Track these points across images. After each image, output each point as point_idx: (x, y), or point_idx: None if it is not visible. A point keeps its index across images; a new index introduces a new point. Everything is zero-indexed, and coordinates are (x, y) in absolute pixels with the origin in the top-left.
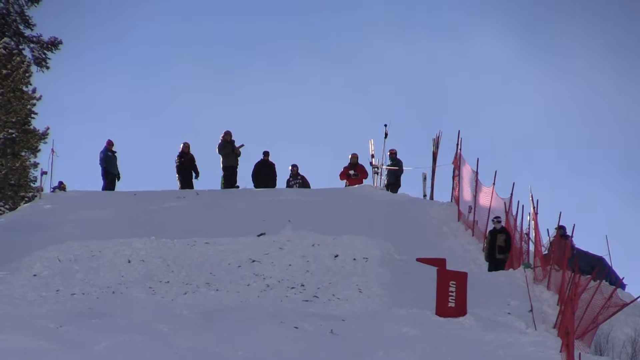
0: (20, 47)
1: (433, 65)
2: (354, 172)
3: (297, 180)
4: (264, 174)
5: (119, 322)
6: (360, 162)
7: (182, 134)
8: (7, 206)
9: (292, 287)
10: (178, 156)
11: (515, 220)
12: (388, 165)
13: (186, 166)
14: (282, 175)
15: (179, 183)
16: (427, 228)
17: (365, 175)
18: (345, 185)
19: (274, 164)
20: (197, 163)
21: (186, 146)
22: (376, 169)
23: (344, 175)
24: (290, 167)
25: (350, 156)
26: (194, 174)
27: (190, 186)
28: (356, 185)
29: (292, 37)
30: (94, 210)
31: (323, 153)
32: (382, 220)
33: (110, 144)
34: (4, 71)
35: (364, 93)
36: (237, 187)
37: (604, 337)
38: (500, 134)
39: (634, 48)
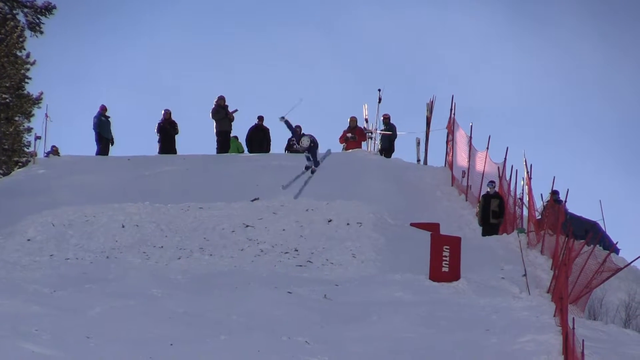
0: (14, 11)
1: (427, 31)
2: (352, 135)
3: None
4: (258, 138)
5: (113, 286)
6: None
7: (176, 100)
8: (0, 171)
9: (286, 252)
10: (159, 123)
11: (509, 184)
12: (382, 130)
13: (167, 132)
14: (277, 140)
15: (159, 148)
16: (421, 193)
17: (364, 138)
18: (344, 149)
19: (268, 129)
20: (179, 129)
21: (167, 113)
22: (370, 134)
23: (343, 138)
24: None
25: (349, 119)
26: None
27: (173, 152)
28: (350, 150)
29: (284, 6)
30: (87, 175)
31: (318, 119)
32: (376, 185)
33: (103, 109)
34: None
35: (358, 58)
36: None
37: (598, 301)
38: (494, 99)
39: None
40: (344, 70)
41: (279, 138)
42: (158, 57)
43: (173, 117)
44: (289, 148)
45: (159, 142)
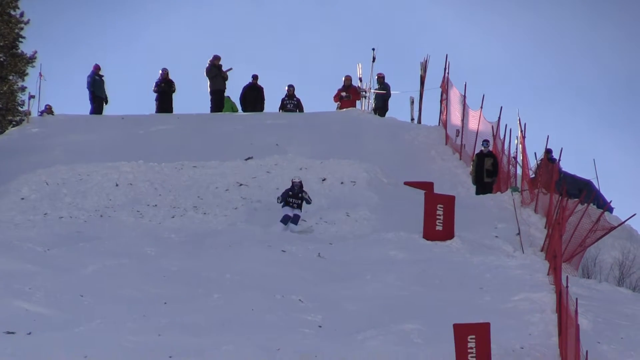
0: None
1: None
2: (346, 94)
3: (293, 101)
4: (252, 97)
5: (107, 245)
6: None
7: (170, 59)
8: None
9: (280, 211)
10: (157, 82)
11: (503, 143)
12: (376, 89)
13: (165, 91)
14: (271, 100)
15: (156, 107)
16: (415, 152)
17: (358, 97)
18: (338, 108)
19: (262, 88)
20: (176, 88)
21: (165, 72)
22: (364, 93)
23: (337, 97)
24: (286, 88)
25: (343, 78)
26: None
27: (169, 110)
28: (344, 109)
29: None
30: (81, 134)
31: (313, 78)
32: (370, 144)
33: (97, 68)
34: None
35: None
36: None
37: (592, 260)
38: (489, 58)
39: None
40: (338, 30)
41: (273, 97)
42: (153, 17)
43: (170, 77)
44: (283, 107)
45: (156, 100)
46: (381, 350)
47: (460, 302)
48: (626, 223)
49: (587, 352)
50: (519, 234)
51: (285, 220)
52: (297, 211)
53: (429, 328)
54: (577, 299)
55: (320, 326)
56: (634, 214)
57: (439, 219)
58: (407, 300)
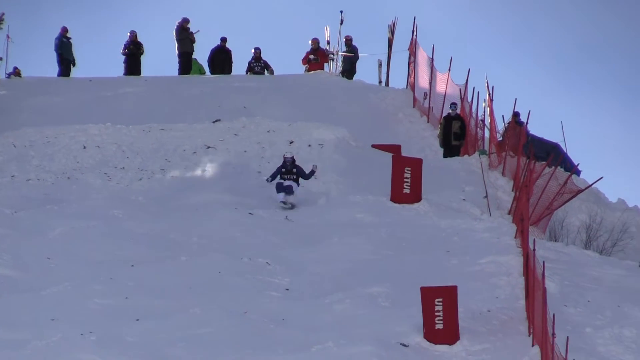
0: None
1: None
2: (314, 57)
3: (260, 63)
4: (220, 60)
5: (74, 207)
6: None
7: (138, 21)
8: None
9: (248, 173)
10: (125, 44)
11: (471, 106)
12: (343, 52)
13: (133, 53)
14: (238, 62)
15: (124, 69)
16: (383, 114)
17: (326, 59)
18: (306, 70)
19: (230, 51)
20: (145, 50)
21: (133, 34)
22: (332, 56)
23: (305, 60)
24: (252, 50)
25: (311, 41)
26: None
27: (138, 73)
28: (312, 72)
29: None
30: (49, 96)
31: (280, 41)
32: (338, 107)
33: (65, 30)
34: None
35: None
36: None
37: (559, 223)
38: (456, 21)
39: None
40: None
41: (241, 60)
42: None
43: (138, 39)
44: (250, 70)
45: (124, 63)
46: (348, 313)
47: (427, 265)
48: (593, 186)
49: (553, 315)
50: (486, 197)
51: (281, 188)
52: (291, 182)
53: (396, 291)
54: (544, 262)
55: (287, 289)
56: (601, 177)
57: (406, 182)
58: (374, 263)
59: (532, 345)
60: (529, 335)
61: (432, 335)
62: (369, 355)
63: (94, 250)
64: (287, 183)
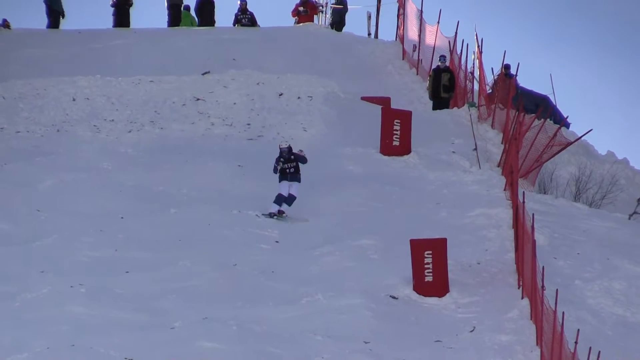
0: None
1: None
2: (303, 9)
3: (247, 15)
4: (208, 11)
5: (64, 160)
6: None
7: None
8: None
9: (237, 126)
10: None
11: (460, 59)
12: (333, 4)
13: (123, 5)
14: (224, 14)
15: (113, 21)
16: (372, 67)
17: (316, 11)
18: (296, 23)
19: (214, 1)
20: (134, 2)
21: None
22: (321, 8)
23: (295, 12)
24: (239, 2)
25: None
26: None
27: (127, 25)
28: (301, 24)
29: None
30: (38, 48)
31: None
32: (327, 59)
33: None
34: None
35: None
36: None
37: (548, 175)
38: None
39: None
40: None
41: (228, 11)
42: None
43: None
44: (238, 22)
45: (113, 15)
46: (337, 266)
47: (416, 217)
48: (583, 139)
49: (543, 267)
50: (475, 149)
51: (279, 200)
52: (293, 185)
53: (385, 244)
54: (533, 214)
55: (277, 242)
56: (591, 130)
57: (395, 135)
58: (363, 215)
59: (522, 298)
60: (519, 288)
61: (422, 287)
62: (358, 307)
63: (84, 203)
64: (292, 192)
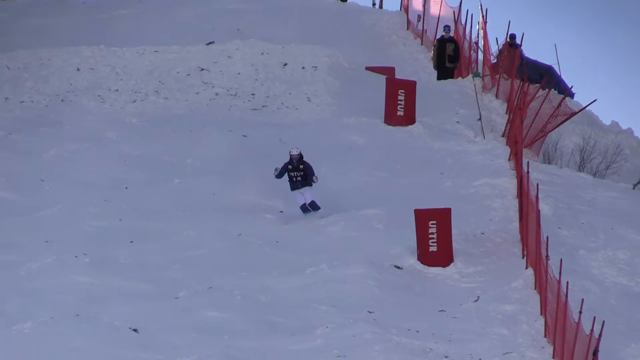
0: None
1: None
2: None
3: None
4: None
5: (68, 130)
6: None
7: None
8: None
9: (241, 96)
10: None
11: (465, 29)
12: None
13: None
14: None
15: None
16: (377, 37)
17: None
18: None
19: None
20: None
21: None
22: None
23: None
24: None
25: None
26: None
27: None
28: None
29: None
30: (43, 18)
31: None
32: (331, 29)
33: None
34: None
35: None
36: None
37: (553, 145)
38: None
39: None
40: None
41: None
42: None
43: None
44: None
45: None
46: (342, 235)
47: (421, 187)
48: (587, 109)
49: (547, 237)
50: (480, 119)
51: (305, 210)
52: (307, 191)
53: (389, 214)
54: (538, 184)
55: (281, 211)
56: (595, 100)
57: (400, 104)
58: (368, 185)
59: (526, 268)
60: (523, 258)
61: (426, 257)
62: (363, 277)
63: (88, 173)
64: (308, 200)
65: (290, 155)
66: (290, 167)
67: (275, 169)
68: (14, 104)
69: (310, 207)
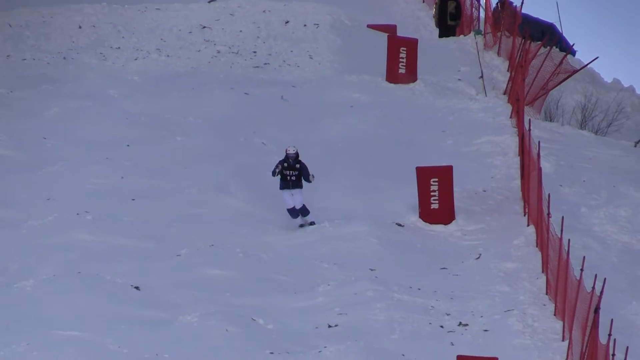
0: None
1: None
2: None
3: None
4: None
5: (70, 87)
6: None
7: None
8: None
9: (243, 54)
10: None
11: None
12: None
13: None
14: None
15: None
16: None
17: None
18: None
19: None
20: None
21: None
22: None
23: None
24: None
25: None
26: None
27: None
28: None
29: None
30: None
31: None
32: None
33: None
34: None
35: None
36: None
37: (554, 103)
38: None
39: None
40: None
41: None
42: None
43: None
44: None
45: None
46: (344, 192)
47: (423, 145)
48: (589, 66)
49: (549, 195)
50: (481, 77)
51: (295, 214)
52: (297, 193)
53: (391, 171)
54: (539, 141)
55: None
56: (597, 57)
57: (402, 62)
58: (369, 143)
59: (527, 225)
60: (524, 215)
61: (428, 215)
62: (365, 235)
63: (90, 130)
64: (298, 205)
65: (287, 153)
66: (285, 165)
67: (273, 172)
68: (16, 62)
69: (300, 212)
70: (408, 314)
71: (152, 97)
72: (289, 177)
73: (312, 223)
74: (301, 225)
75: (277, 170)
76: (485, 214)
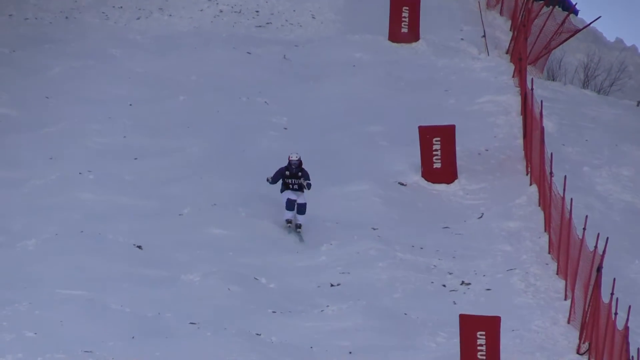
0: None
1: None
2: None
3: None
4: None
5: (72, 47)
6: None
7: None
8: None
9: (245, 13)
10: None
11: None
12: None
13: None
14: None
15: None
16: None
17: None
18: None
19: None
20: None
21: None
22: None
23: None
24: None
25: None
26: None
27: None
28: None
29: None
30: None
31: None
32: None
33: None
34: None
35: None
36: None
37: (557, 62)
38: None
39: None
40: None
41: None
42: None
43: None
44: None
45: None
46: (346, 152)
47: (425, 104)
48: (591, 26)
49: (551, 154)
50: (484, 36)
51: (291, 205)
52: (300, 196)
53: (394, 130)
54: (542, 101)
55: (285, 128)
56: (599, 17)
57: (404, 21)
58: (372, 102)
59: (530, 184)
60: (527, 174)
61: (430, 174)
62: (367, 194)
63: (92, 90)
64: (300, 200)
65: (290, 160)
66: (287, 173)
67: (268, 179)
68: (18, 21)
69: (299, 207)
70: (410, 273)
71: (155, 57)
72: (291, 186)
73: (299, 225)
74: (288, 223)
75: (274, 177)
76: (488, 173)
